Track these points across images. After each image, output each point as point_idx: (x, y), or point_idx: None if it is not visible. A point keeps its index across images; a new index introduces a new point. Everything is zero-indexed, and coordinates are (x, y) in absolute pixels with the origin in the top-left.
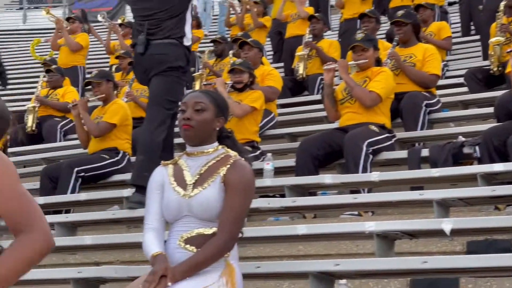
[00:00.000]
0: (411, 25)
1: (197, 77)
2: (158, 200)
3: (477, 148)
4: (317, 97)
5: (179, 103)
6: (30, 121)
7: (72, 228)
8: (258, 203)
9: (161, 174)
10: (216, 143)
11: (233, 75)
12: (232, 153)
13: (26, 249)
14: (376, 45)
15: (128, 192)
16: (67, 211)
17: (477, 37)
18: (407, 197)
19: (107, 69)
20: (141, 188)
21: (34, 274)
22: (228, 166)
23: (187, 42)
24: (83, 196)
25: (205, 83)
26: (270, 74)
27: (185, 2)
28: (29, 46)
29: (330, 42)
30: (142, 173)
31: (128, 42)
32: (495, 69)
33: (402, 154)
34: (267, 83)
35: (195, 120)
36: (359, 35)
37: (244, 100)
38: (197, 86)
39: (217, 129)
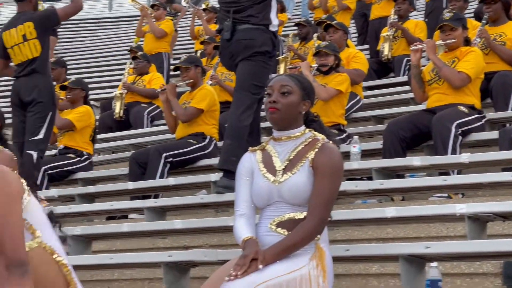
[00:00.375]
0: (500, 2)
1: (282, 60)
2: (247, 187)
3: None
4: (403, 78)
5: (265, 88)
6: (117, 108)
7: (161, 212)
8: (345, 186)
9: (250, 160)
10: (303, 127)
11: (319, 58)
12: (320, 136)
13: None
14: (465, 24)
15: (215, 176)
16: (156, 196)
17: None
18: (498, 179)
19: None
20: (228, 173)
21: (125, 258)
22: (316, 150)
23: (273, 28)
24: (172, 181)
25: (290, 66)
26: (356, 56)
27: None
28: (115, 34)
29: (416, 22)
30: (229, 158)
31: (212, 27)
32: None
33: (493, 135)
34: (353, 65)
35: (281, 103)
36: (447, 14)
37: (329, 83)
38: (281, 69)
39: (303, 112)
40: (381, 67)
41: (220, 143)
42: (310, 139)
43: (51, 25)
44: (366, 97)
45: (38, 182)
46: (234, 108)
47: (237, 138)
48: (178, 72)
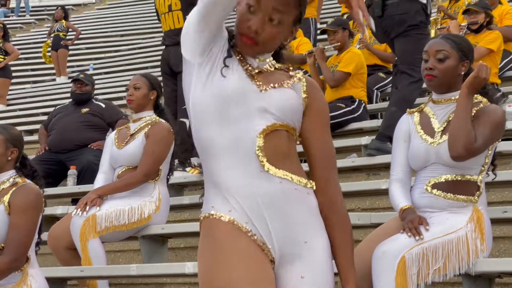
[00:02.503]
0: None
1: (432, 22)
2: (404, 150)
3: None
4: None
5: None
6: None
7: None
8: (501, 146)
9: (407, 122)
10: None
11: (468, 16)
12: (483, 99)
13: None
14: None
15: (366, 140)
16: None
17: None
18: None
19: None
20: (381, 135)
21: None
22: (474, 111)
23: None
24: None
25: (439, 27)
26: (509, 13)
27: None
28: None
29: None
30: (392, 124)
31: None
32: None
33: None
34: (506, 22)
35: (438, 69)
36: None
37: (480, 42)
38: (432, 31)
39: (463, 73)
40: None
41: (369, 106)
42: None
43: None
44: None
45: None
46: (403, 79)
47: (403, 108)
48: (325, 37)
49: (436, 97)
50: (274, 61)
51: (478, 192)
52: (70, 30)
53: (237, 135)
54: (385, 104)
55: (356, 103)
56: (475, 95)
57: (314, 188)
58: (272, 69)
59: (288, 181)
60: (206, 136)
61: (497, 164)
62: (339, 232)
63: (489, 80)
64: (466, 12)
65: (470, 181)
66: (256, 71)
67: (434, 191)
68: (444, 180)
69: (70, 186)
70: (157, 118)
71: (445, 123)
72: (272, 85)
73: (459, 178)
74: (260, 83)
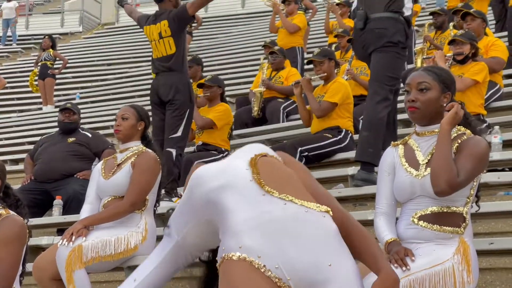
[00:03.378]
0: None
1: (419, 52)
2: (389, 183)
3: None
4: None
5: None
6: (256, 106)
7: None
8: (487, 177)
9: (392, 155)
10: None
11: (454, 46)
12: (465, 130)
13: None
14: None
15: (352, 170)
16: None
17: None
18: None
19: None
20: (366, 165)
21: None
22: (462, 140)
23: (407, 12)
24: None
25: (424, 57)
26: (494, 44)
27: None
28: (248, 30)
29: None
30: (366, 149)
31: (346, 21)
32: None
33: None
34: (492, 53)
35: (420, 101)
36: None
37: (466, 73)
38: (418, 60)
39: (445, 105)
40: None
41: (356, 136)
42: (455, 134)
43: (183, 21)
44: (506, 85)
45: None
46: (370, 100)
47: (374, 129)
48: (311, 66)
49: (420, 129)
50: None
51: (464, 224)
52: (57, 59)
53: (228, 179)
54: None
55: (343, 133)
56: (459, 127)
57: (331, 214)
58: None
59: (294, 203)
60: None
61: (480, 196)
62: (356, 236)
63: (475, 111)
64: (451, 42)
65: (456, 212)
66: None
67: (421, 222)
68: (430, 212)
69: (55, 216)
70: (144, 148)
71: (429, 155)
72: None
73: (445, 210)
74: None
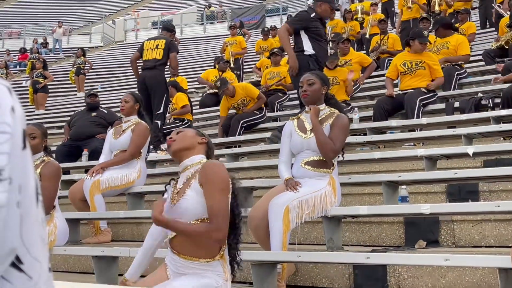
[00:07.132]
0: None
1: None
2: (288, 143)
3: (490, 100)
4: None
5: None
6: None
7: (235, 157)
8: (349, 139)
9: (290, 125)
10: (323, 104)
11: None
12: (335, 110)
13: None
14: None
15: (268, 134)
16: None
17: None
18: (445, 133)
19: None
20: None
21: None
22: (334, 118)
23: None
24: (242, 137)
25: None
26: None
27: None
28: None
29: None
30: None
31: None
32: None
33: (442, 106)
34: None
35: (309, 90)
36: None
37: (340, 76)
38: None
39: (324, 93)
40: None
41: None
42: (329, 112)
43: (173, 50)
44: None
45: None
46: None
47: None
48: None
49: (307, 109)
50: None
51: (333, 167)
52: (86, 63)
53: None
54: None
55: (263, 111)
56: (332, 109)
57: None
58: None
59: None
60: None
61: (344, 150)
62: None
63: (344, 98)
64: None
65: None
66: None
67: (306, 166)
68: (312, 160)
69: (84, 161)
70: (139, 120)
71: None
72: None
73: (321, 159)
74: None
